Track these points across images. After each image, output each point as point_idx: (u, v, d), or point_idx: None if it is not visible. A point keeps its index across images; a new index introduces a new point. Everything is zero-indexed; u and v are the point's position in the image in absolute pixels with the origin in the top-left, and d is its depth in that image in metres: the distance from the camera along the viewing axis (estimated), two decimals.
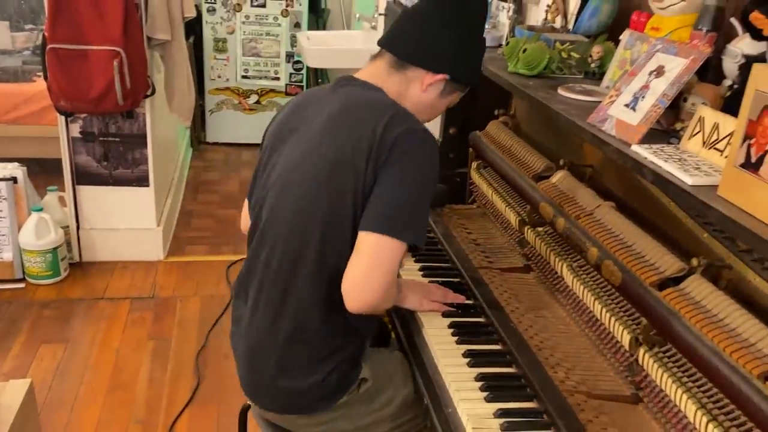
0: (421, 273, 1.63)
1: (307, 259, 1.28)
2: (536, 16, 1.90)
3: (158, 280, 3.00)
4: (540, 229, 1.54)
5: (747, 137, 0.90)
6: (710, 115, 1.07)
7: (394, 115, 1.26)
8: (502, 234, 1.77)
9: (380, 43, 1.39)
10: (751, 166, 0.89)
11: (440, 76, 1.35)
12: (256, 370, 1.38)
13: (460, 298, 1.50)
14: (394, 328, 1.50)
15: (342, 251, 1.26)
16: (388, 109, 1.28)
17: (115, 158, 2.98)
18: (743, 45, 1.14)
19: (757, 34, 0.99)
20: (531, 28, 1.73)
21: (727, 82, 1.18)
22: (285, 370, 1.34)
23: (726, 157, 0.97)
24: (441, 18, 1.34)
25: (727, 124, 1.02)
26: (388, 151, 1.23)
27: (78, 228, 3.03)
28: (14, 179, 2.81)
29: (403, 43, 1.37)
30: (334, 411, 1.36)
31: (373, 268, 1.21)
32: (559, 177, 1.53)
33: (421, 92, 1.36)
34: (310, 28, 4.63)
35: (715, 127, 1.04)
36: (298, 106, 1.42)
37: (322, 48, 3.91)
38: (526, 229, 1.59)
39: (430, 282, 1.56)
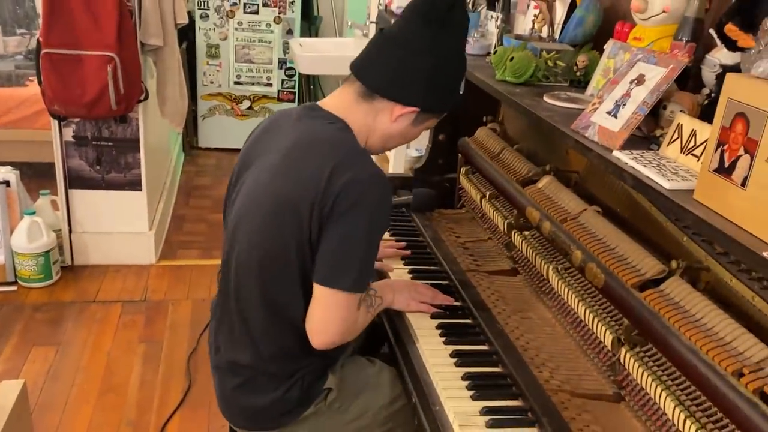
0: (411, 276, 1.66)
1: (255, 294, 1.31)
2: (524, 25, 1.94)
3: (150, 284, 3.02)
4: (526, 232, 1.58)
5: (720, 143, 0.94)
6: (688, 123, 1.11)
7: (340, 162, 1.22)
8: (490, 238, 1.81)
9: (351, 67, 1.34)
10: (724, 170, 0.93)
11: (410, 109, 1.30)
12: (222, 389, 1.42)
13: (449, 300, 1.52)
14: (384, 329, 1.53)
15: (290, 292, 1.28)
16: (336, 152, 1.25)
17: (108, 162, 3.00)
18: (720, 55, 1.18)
19: (731, 45, 1.03)
20: (518, 37, 1.77)
21: (706, 91, 1.23)
22: (245, 389, 1.38)
23: (702, 162, 1.01)
24: (414, 46, 1.27)
25: (704, 131, 1.06)
26: (332, 203, 1.20)
27: (70, 231, 3.04)
28: (7, 183, 2.83)
29: (372, 71, 1.30)
30: (301, 424, 1.37)
31: (326, 317, 1.26)
32: (545, 182, 1.56)
33: (390, 122, 1.32)
34: (302, 35, 4.67)
35: (693, 133, 1.08)
36: (265, 132, 1.40)
37: (314, 55, 3.94)
38: (513, 232, 1.62)
39: None
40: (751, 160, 0.88)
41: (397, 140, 1.39)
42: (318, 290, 1.25)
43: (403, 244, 1.77)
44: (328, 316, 1.26)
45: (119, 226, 3.09)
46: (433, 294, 1.52)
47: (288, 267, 1.27)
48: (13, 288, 2.87)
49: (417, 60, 1.27)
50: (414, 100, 1.30)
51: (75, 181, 2.99)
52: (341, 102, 1.33)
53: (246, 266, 1.31)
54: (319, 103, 1.36)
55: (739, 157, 0.90)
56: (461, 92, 1.37)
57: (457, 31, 1.32)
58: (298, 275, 1.27)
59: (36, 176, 3.49)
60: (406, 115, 1.31)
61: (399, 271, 1.67)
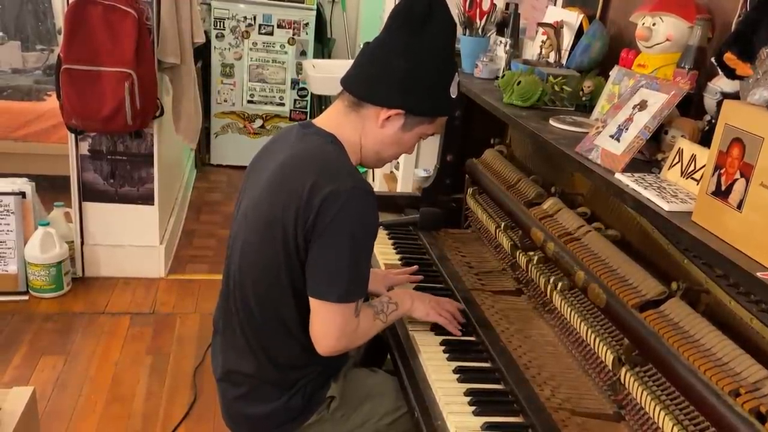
0: None
1: (252, 306, 1.35)
2: (531, 51, 1.98)
3: (159, 297, 3.05)
4: (531, 253, 1.60)
5: (718, 167, 0.96)
6: (688, 147, 1.14)
7: (320, 176, 1.24)
8: (495, 258, 1.83)
9: (341, 82, 1.36)
10: (721, 194, 0.96)
11: (394, 111, 1.30)
12: (225, 399, 1.45)
13: (462, 320, 1.52)
14: (388, 344, 1.55)
15: (283, 303, 1.31)
16: (318, 166, 1.27)
17: (122, 176, 3.05)
18: (721, 83, 1.22)
19: (731, 74, 1.07)
20: (526, 62, 1.80)
21: (708, 117, 1.26)
22: (248, 399, 1.40)
23: (700, 185, 1.03)
24: (393, 49, 1.28)
25: (704, 155, 1.08)
26: (314, 217, 1.23)
27: (82, 243, 3.08)
28: (23, 194, 2.88)
29: (356, 80, 1.33)
30: None
31: (323, 328, 1.30)
32: (550, 204, 1.59)
33: (378, 128, 1.32)
34: (315, 56, 4.75)
35: (693, 158, 1.11)
36: (265, 150, 1.44)
37: (327, 76, 3.99)
38: (517, 253, 1.64)
39: None
40: (747, 184, 0.91)
41: (392, 149, 1.37)
42: (311, 302, 1.29)
43: (415, 268, 1.76)
44: (325, 325, 1.29)
45: (130, 239, 3.13)
46: (454, 308, 1.52)
47: (279, 280, 1.30)
48: (25, 297, 2.91)
49: (393, 61, 1.28)
50: (395, 102, 1.30)
51: (89, 194, 3.04)
52: (332, 117, 1.37)
53: (242, 280, 1.36)
54: (313, 120, 1.40)
55: (735, 180, 0.93)
56: (453, 96, 1.35)
57: (438, 33, 1.30)
58: (290, 288, 1.30)
59: (51, 188, 3.54)
60: (393, 118, 1.31)
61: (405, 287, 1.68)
